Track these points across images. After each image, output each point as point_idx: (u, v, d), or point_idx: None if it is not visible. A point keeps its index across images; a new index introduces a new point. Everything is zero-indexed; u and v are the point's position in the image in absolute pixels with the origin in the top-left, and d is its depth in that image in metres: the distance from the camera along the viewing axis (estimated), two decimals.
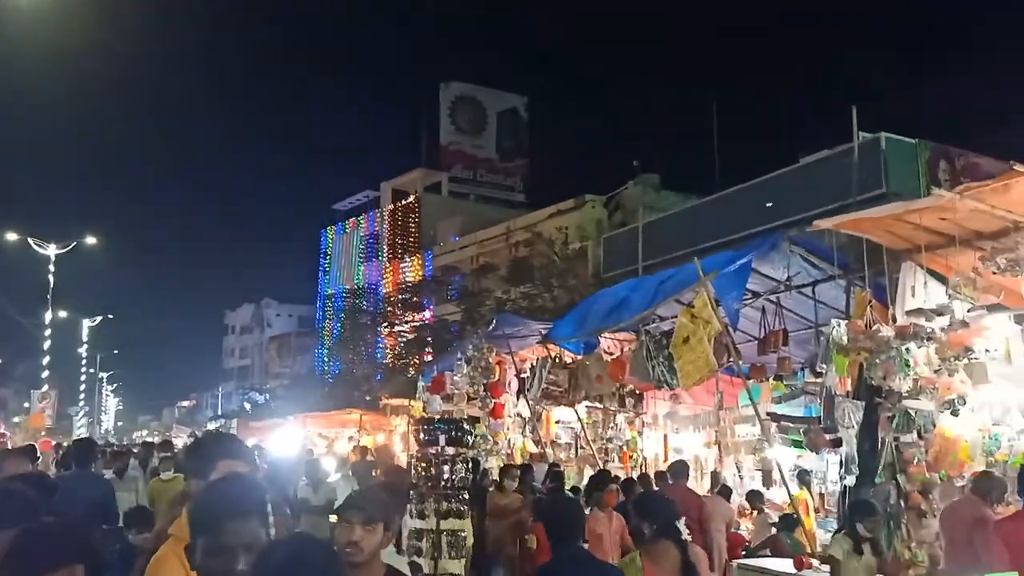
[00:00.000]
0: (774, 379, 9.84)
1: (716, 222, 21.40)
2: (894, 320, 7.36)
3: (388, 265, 45.19)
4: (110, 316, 50.50)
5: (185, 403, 72.93)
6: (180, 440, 40.78)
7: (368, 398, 29.76)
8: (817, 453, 8.52)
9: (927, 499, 6.65)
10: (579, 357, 10.76)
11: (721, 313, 8.02)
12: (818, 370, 8.83)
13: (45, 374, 35.62)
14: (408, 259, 43.41)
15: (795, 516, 7.97)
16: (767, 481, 9.05)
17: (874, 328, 7.21)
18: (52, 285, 35.21)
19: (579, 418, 11.48)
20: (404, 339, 32.17)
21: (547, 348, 11.21)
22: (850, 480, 7.23)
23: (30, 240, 34.87)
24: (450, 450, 6.14)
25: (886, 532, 6.41)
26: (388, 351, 34.98)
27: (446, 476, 6.03)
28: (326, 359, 45.92)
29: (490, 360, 11.42)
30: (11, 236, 34.71)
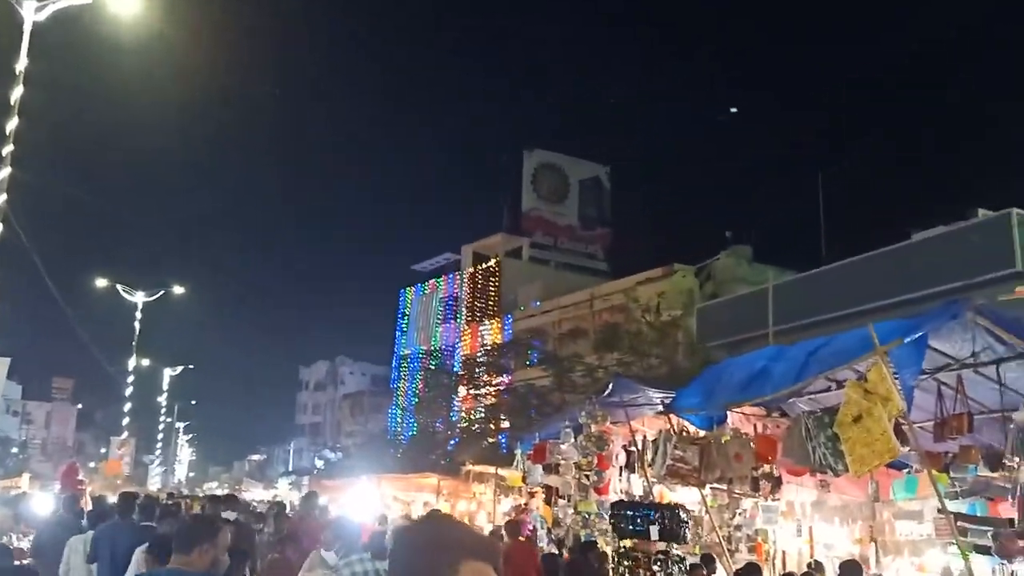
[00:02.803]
0: (939, 471, 8.58)
1: (822, 296, 20.23)
2: None
3: (467, 328, 44.76)
4: (191, 366, 51.22)
5: (255, 457, 73.16)
6: (251, 495, 40.34)
7: (443, 462, 28.87)
8: (1009, 561, 7.24)
9: None
10: (709, 432, 9.69)
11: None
12: (1007, 464, 7.62)
13: (126, 421, 35.91)
14: (487, 322, 42.91)
15: None
16: None
17: None
18: (138, 333, 35.76)
19: (704, 501, 10.34)
20: (483, 404, 31.32)
21: (669, 420, 10.18)
22: None
23: (119, 287, 35.61)
24: (662, 545, 5.15)
25: None
26: (464, 415, 34.16)
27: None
28: (399, 420, 45.39)
29: (604, 429, 10.46)
30: (101, 282, 35.44)
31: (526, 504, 12.92)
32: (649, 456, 10.27)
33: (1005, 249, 16.87)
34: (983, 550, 7.61)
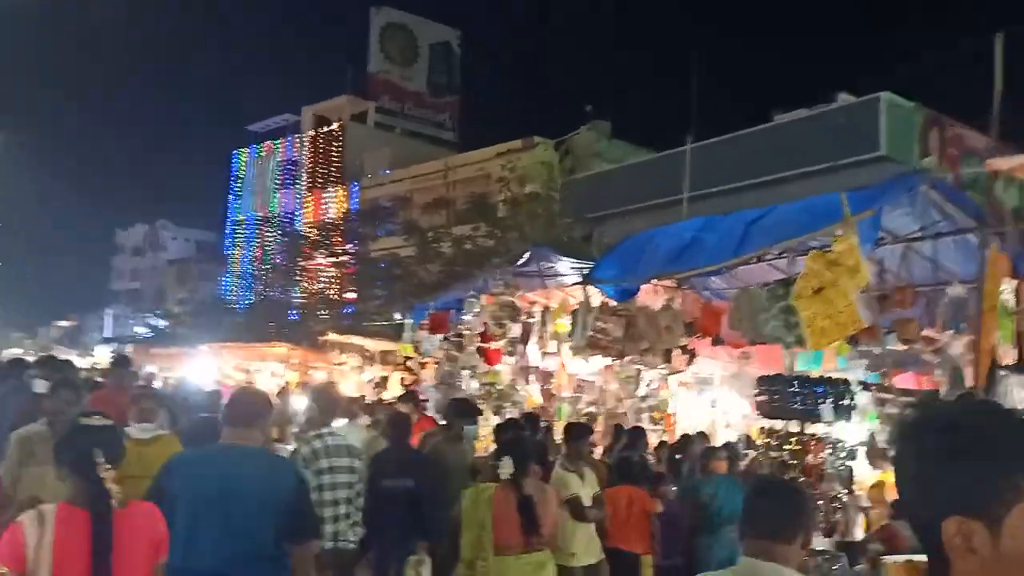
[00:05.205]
0: (848, 343, 8.71)
1: (689, 174, 20.37)
2: None
3: (308, 194, 42.27)
4: None
5: (64, 323, 67.14)
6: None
7: (286, 331, 27.61)
8: None
9: None
10: (637, 304, 9.27)
11: None
12: (933, 337, 7.76)
13: None
14: (331, 189, 40.68)
15: None
16: (872, 459, 7.95)
17: None
18: None
19: (613, 371, 10.10)
20: (333, 272, 29.97)
21: (585, 290, 9.68)
22: None
23: None
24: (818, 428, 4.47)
25: None
26: (309, 283, 32.59)
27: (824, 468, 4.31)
28: (233, 288, 42.84)
29: (516, 300, 9.82)
30: None
31: (416, 377, 12.28)
32: (553, 327, 9.80)
33: (871, 132, 17.54)
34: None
